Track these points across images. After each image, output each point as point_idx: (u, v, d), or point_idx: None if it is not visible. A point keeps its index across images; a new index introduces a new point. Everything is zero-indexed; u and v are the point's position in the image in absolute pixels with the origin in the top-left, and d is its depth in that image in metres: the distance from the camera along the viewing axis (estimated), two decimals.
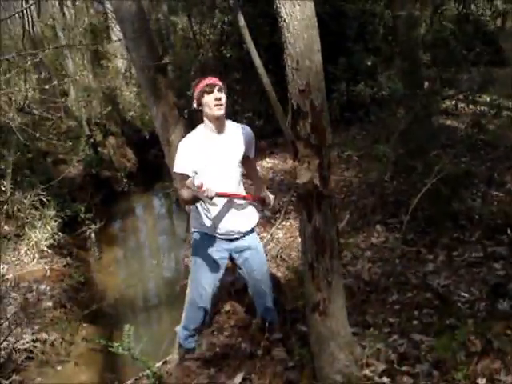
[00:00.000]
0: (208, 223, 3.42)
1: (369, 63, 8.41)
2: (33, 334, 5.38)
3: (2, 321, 5.46)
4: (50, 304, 5.87)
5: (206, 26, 8.71)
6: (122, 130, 11.53)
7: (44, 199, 7.11)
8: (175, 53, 10.61)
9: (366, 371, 2.75)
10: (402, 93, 5.65)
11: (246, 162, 3.58)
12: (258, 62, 4.20)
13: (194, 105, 3.34)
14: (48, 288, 6.11)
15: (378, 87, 7.97)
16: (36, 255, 6.50)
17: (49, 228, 6.58)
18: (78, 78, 9.80)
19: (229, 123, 3.41)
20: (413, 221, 4.36)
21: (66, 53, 9.89)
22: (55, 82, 8.39)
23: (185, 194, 3.17)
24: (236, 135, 3.41)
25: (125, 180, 10.17)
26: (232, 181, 3.39)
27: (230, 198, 3.34)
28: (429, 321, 3.22)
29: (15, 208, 7.01)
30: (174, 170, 3.30)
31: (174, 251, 7.98)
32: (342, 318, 2.75)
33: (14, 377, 4.92)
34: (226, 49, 8.24)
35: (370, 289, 3.75)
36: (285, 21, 2.31)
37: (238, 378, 3.20)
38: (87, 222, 8.01)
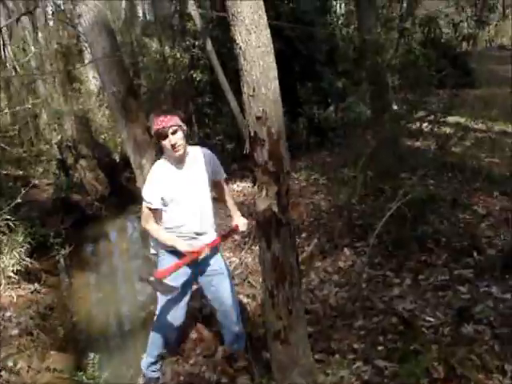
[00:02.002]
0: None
1: (339, 86, 8.49)
2: None
3: None
4: (16, 331, 5.71)
5: (176, 50, 8.71)
6: (93, 152, 11.40)
7: (11, 224, 6.96)
8: (147, 75, 10.60)
9: None
10: (370, 116, 5.69)
11: (217, 186, 3.57)
12: (226, 86, 4.20)
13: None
14: (14, 315, 5.95)
15: (348, 110, 8.03)
16: (2, 281, 6.35)
17: (15, 254, 6.43)
18: (49, 100, 9.73)
19: (189, 150, 3.38)
20: (380, 244, 4.37)
21: (37, 76, 9.81)
22: (27, 105, 8.31)
23: (161, 237, 3.22)
24: (198, 163, 3.39)
25: (96, 203, 10.05)
26: (205, 212, 3.38)
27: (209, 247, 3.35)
28: (393, 346, 3.20)
29: None
30: (144, 204, 3.27)
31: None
32: (304, 345, 2.71)
33: None
34: (196, 72, 8.25)
35: (336, 314, 3.72)
36: (240, 48, 2.30)
37: None
38: (56, 247, 7.84)
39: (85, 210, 10.21)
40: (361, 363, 3.04)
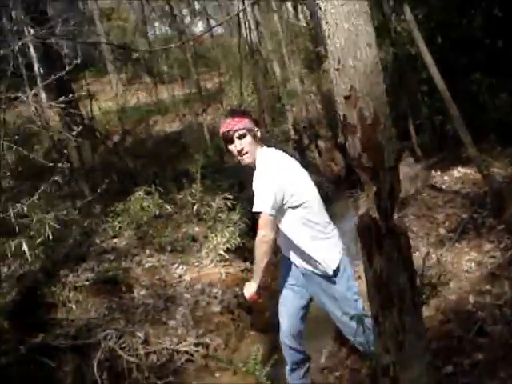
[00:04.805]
0: None
1: None
2: (197, 337, 5.42)
3: (172, 321, 5.66)
4: (217, 309, 5.88)
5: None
6: (333, 133, 11.26)
7: (229, 203, 7.22)
8: None
9: None
10: None
11: None
12: (429, 59, 3.61)
13: None
14: (220, 292, 6.14)
15: None
16: (217, 258, 6.60)
17: (226, 232, 6.63)
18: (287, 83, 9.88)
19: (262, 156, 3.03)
20: None
21: (273, 58, 10.03)
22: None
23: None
24: None
25: (327, 184, 9.87)
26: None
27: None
28: None
29: (203, 210, 7.26)
30: (264, 209, 2.95)
31: None
32: None
33: (171, 378, 5.01)
34: None
35: None
36: (321, 8, 1.81)
37: None
38: None
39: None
40: None
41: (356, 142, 1.86)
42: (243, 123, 2.95)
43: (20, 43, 5.52)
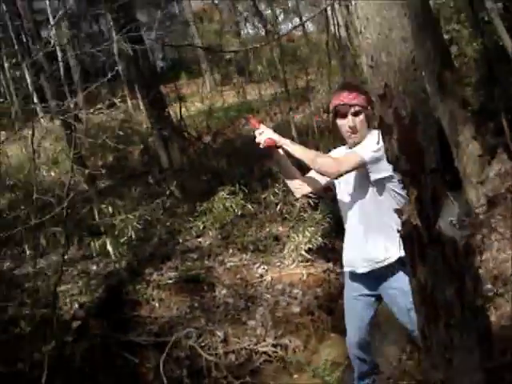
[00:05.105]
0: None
1: None
2: (275, 338, 5.40)
3: (252, 321, 5.67)
4: (297, 310, 5.81)
5: None
6: None
7: (312, 202, 7.10)
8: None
9: None
10: None
11: None
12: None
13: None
14: (300, 293, 6.06)
15: None
16: (299, 258, 6.53)
17: (308, 232, 6.52)
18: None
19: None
20: None
21: (360, 53, 9.78)
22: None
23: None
24: None
25: None
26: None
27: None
28: None
29: (287, 210, 7.21)
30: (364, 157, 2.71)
31: None
32: None
33: (248, 378, 5.03)
34: None
35: None
36: (351, 2, 1.70)
37: None
38: None
39: None
40: None
41: (393, 143, 1.73)
42: (360, 99, 2.72)
43: (106, 45, 5.69)
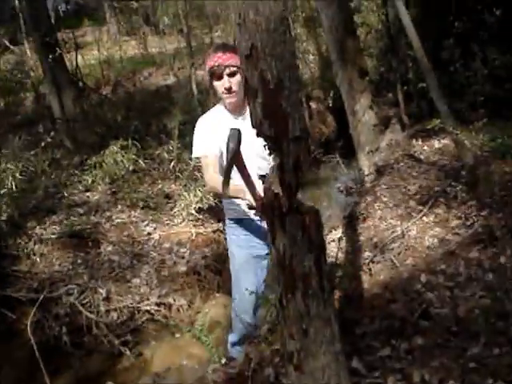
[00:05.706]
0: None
1: None
2: (159, 296, 5.33)
3: (136, 279, 5.56)
4: (184, 269, 5.75)
5: None
6: (325, 94, 10.90)
7: None
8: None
9: None
10: None
11: None
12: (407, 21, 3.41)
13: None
14: (188, 252, 5.99)
15: None
16: (189, 217, 6.44)
17: (199, 191, 6.44)
18: None
19: None
20: None
21: None
22: None
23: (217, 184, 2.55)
24: None
25: (312, 147, 9.56)
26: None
27: None
28: None
29: (179, 167, 7.08)
30: (193, 156, 2.75)
31: None
32: (327, 380, 1.95)
33: (130, 337, 4.95)
34: None
35: (456, 329, 2.73)
36: None
37: None
38: None
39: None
40: None
41: (257, 107, 1.65)
42: (235, 60, 2.58)
43: None
